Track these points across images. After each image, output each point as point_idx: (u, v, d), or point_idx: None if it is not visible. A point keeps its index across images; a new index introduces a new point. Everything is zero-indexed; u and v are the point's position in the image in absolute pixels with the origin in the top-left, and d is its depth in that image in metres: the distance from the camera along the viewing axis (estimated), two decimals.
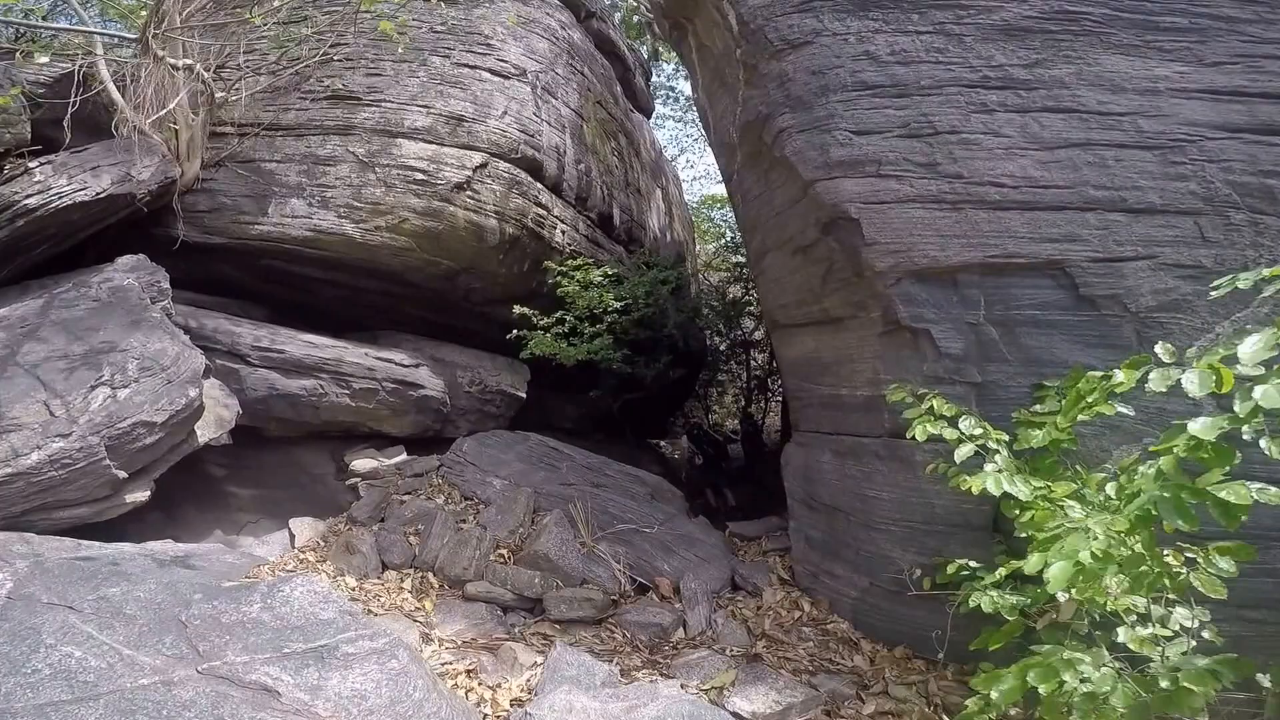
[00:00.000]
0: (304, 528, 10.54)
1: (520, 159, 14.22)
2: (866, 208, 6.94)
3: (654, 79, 26.29)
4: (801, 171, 7.33)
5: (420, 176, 13.14)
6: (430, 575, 8.86)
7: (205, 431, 9.82)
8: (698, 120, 27.98)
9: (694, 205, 29.53)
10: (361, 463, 13.25)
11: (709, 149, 25.10)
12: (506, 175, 13.98)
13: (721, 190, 25.48)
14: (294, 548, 9.98)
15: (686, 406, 23.61)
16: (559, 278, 14.49)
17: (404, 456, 13.64)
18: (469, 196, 13.49)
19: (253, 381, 12.48)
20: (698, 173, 47.60)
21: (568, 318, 14.48)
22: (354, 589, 8.60)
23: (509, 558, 9.07)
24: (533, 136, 14.42)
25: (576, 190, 16.00)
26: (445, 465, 12.42)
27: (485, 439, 12.79)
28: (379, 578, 8.93)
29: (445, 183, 13.24)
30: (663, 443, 23.10)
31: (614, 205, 17.62)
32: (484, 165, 13.68)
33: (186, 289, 12.68)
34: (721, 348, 20.90)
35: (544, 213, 14.84)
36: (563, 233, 15.48)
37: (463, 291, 14.53)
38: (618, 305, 14.49)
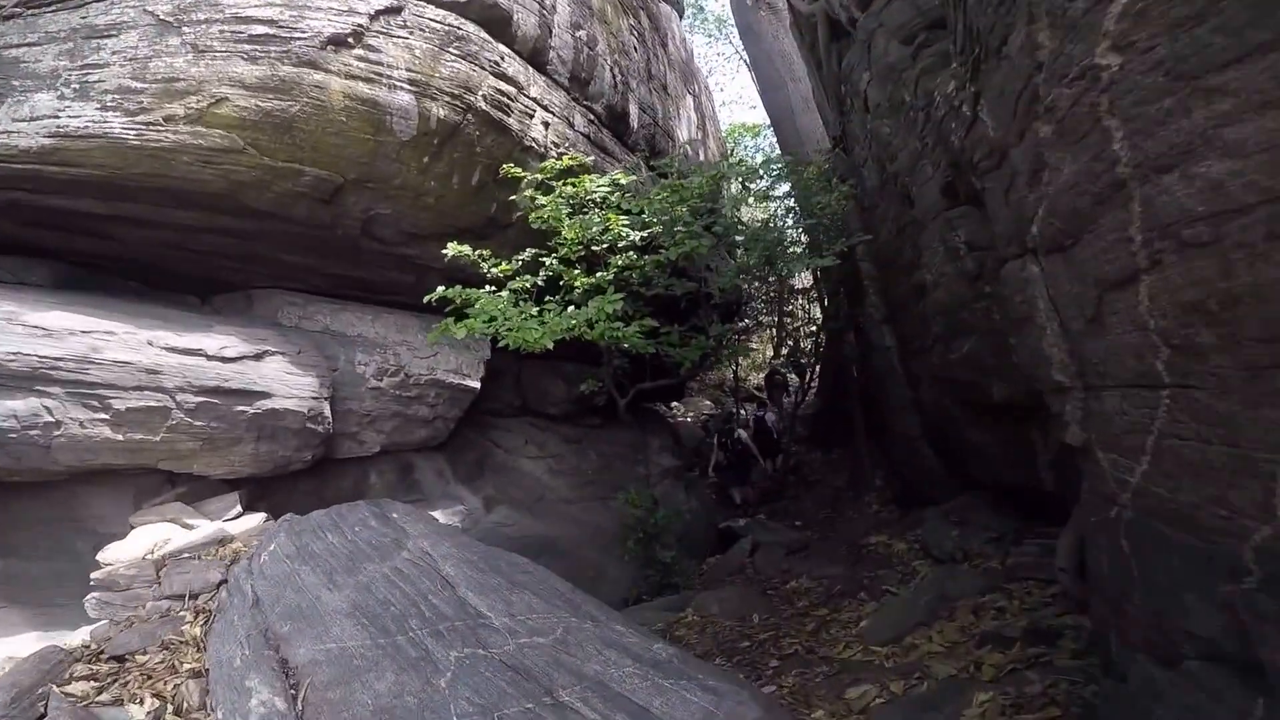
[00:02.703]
0: None
1: (468, 3, 6.88)
2: None
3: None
4: None
5: (260, 31, 5.99)
6: None
7: None
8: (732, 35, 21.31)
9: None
10: (144, 534, 5.97)
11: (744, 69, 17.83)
12: (439, 27, 6.68)
13: (757, 117, 17.80)
14: None
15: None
16: (528, 190, 6.84)
17: (226, 520, 6.28)
18: (356, 57, 6.19)
19: None
20: (729, 96, 36.79)
21: (547, 260, 6.76)
22: None
23: None
24: None
25: (572, 66, 8.49)
26: (228, 586, 5.08)
27: (311, 535, 5.15)
28: None
29: (308, 35, 6.02)
30: (676, 406, 15.49)
31: (630, 99, 9.98)
32: (395, 10, 6.42)
33: None
34: (761, 293, 13.12)
35: (510, 90, 7.24)
36: (545, 125, 7.81)
37: (358, 221, 7.02)
38: (635, 238, 6.76)
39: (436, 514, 8.06)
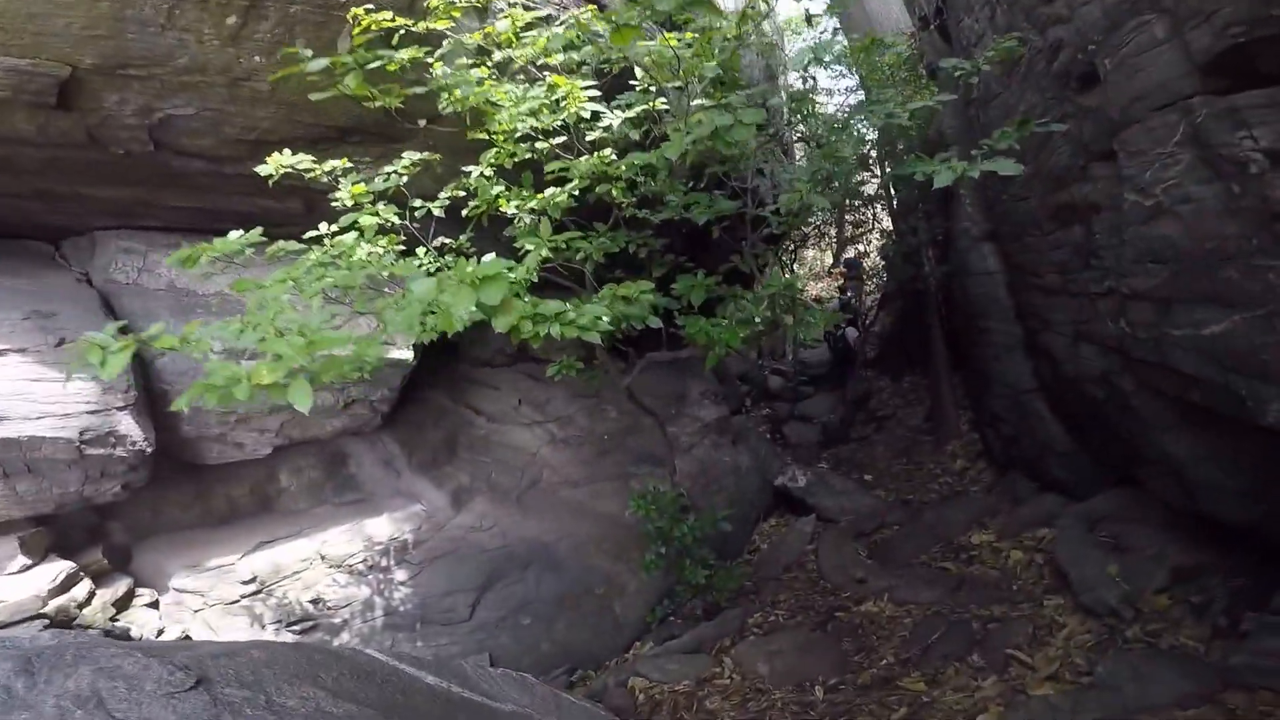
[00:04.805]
0: None
1: None
2: None
3: None
4: None
5: None
6: None
7: None
8: None
9: None
10: None
11: None
12: None
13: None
14: None
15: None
16: (407, 53, 3.35)
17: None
18: None
19: None
20: None
21: (474, 173, 3.66)
22: None
23: None
24: None
25: None
26: None
27: None
28: None
29: None
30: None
31: None
32: None
33: None
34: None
35: None
36: None
37: (141, 130, 4.04)
38: (612, 122, 3.62)
39: (381, 520, 5.45)
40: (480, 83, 3.35)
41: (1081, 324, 4.98)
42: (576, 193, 3.55)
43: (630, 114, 3.48)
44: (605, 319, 2.83)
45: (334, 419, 5.08)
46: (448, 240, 3.80)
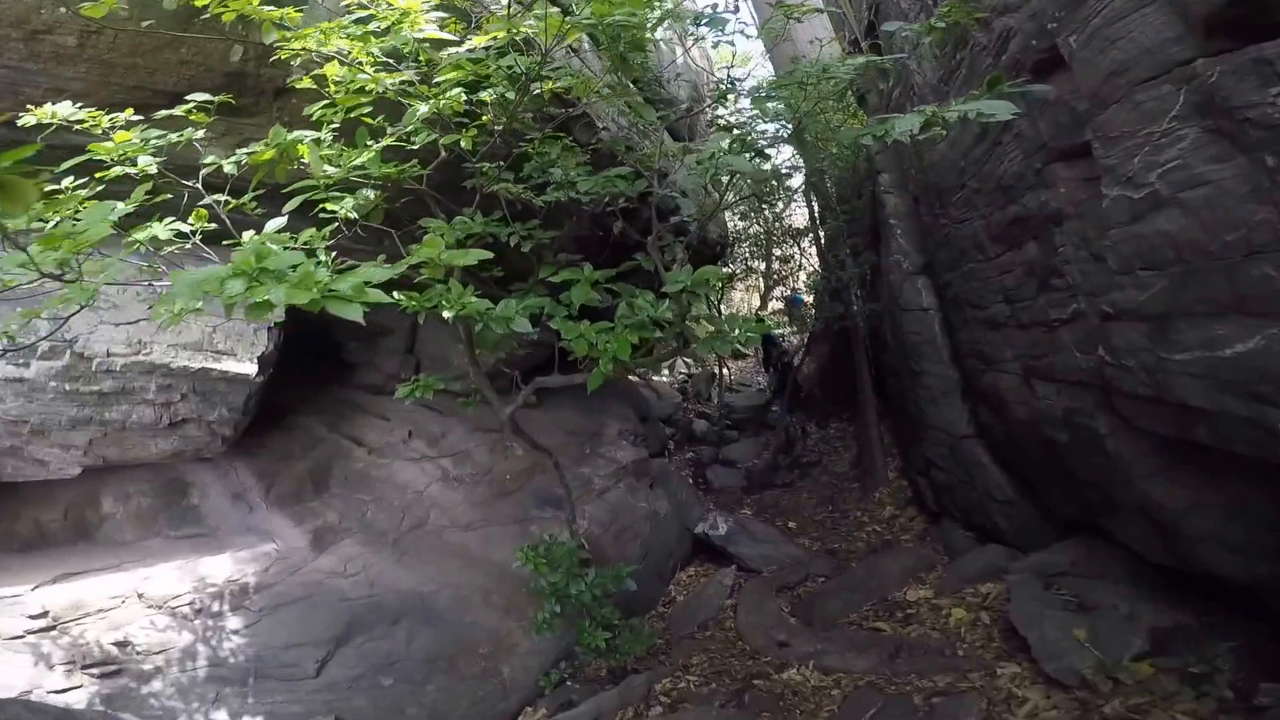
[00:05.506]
0: None
1: None
2: None
3: None
4: None
5: None
6: None
7: None
8: None
9: None
10: None
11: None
12: None
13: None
14: None
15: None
16: None
17: None
18: None
19: None
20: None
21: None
22: None
23: None
24: None
25: None
26: None
27: None
28: None
29: None
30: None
31: None
32: None
33: None
34: (748, 231, 10.69)
35: None
36: None
37: None
38: (457, 54, 2.91)
39: (223, 558, 4.66)
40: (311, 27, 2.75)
41: (1035, 359, 4.45)
42: (415, 144, 2.91)
43: (485, 40, 2.84)
44: (390, 292, 2.03)
45: (159, 439, 4.29)
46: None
